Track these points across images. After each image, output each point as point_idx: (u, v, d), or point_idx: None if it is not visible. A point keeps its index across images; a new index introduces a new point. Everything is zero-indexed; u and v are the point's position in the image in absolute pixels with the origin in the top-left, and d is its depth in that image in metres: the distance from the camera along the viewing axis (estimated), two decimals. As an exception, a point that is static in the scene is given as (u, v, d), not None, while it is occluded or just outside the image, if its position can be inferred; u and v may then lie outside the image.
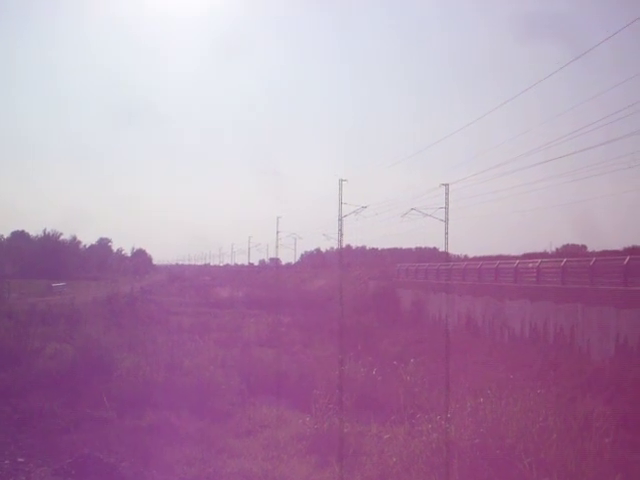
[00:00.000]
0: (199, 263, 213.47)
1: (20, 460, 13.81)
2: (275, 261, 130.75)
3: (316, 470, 13.30)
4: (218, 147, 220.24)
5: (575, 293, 30.00)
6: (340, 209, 73.47)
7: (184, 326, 35.57)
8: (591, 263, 30.57)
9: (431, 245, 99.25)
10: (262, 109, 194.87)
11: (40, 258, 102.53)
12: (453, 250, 75.17)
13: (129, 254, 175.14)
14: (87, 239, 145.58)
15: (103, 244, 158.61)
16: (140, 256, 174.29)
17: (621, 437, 13.79)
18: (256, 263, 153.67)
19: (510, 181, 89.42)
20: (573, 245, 65.45)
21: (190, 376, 20.27)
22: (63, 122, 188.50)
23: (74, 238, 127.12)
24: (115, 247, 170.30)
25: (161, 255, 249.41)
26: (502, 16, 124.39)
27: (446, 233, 63.41)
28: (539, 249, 58.92)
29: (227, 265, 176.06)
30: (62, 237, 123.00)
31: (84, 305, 40.83)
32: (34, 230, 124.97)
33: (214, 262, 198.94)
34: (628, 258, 28.30)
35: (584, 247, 61.62)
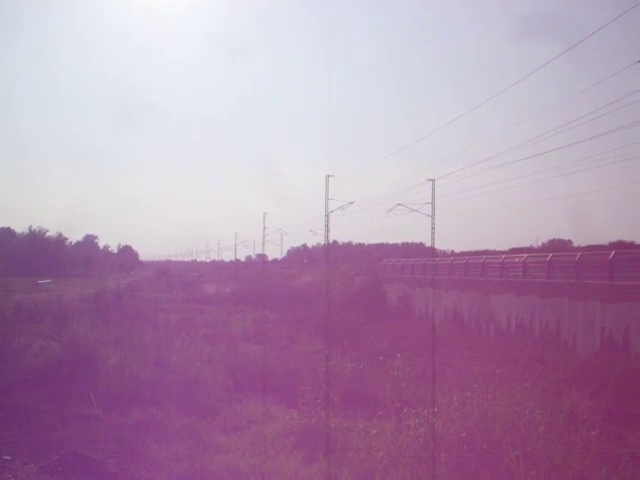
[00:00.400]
0: (186, 259, 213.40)
1: (6, 458, 13.75)
2: (262, 257, 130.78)
3: (303, 465, 13.29)
4: (206, 145, 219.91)
5: (561, 288, 30.14)
6: (326, 205, 73.58)
7: (171, 322, 35.49)
8: (577, 258, 30.71)
9: (418, 240, 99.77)
10: (251, 106, 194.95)
11: (26, 255, 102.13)
12: (440, 245, 75.35)
13: (115, 250, 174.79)
14: (74, 236, 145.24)
15: (89, 241, 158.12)
16: (126, 252, 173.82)
17: (607, 430, 13.88)
18: (243, 259, 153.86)
19: (497, 176, 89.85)
20: (559, 240, 65.95)
21: (177, 372, 20.26)
22: (60, 121, 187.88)
23: (60, 235, 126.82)
24: (101, 244, 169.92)
25: (148, 251, 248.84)
26: (491, 12, 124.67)
27: (432, 228, 63.69)
28: (525, 244, 59.34)
29: (214, 261, 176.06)
30: (48, 234, 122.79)
31: (70, 302, 40.64)
32: (20, 227, 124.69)
33: (201, 258, 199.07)
34: (613, 253, 28.45)
35: (570, 242, 62.16)
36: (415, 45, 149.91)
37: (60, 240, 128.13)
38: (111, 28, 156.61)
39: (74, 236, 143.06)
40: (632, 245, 41.87)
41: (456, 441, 12.13)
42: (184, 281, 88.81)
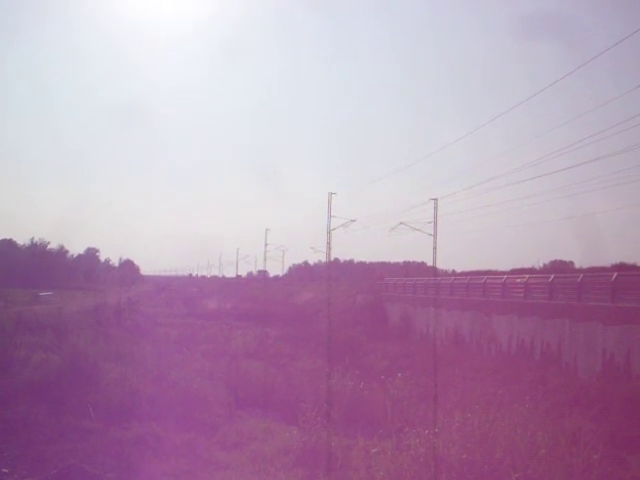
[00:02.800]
0: (187, 274, 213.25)
1: (5, 471, 13.69)
2: (263, 273, 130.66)
3: (303, 484, 13.25)
4: (208, 160, 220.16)
5: (562, 309, 30.07)
6: (329, 222, 73.36)
7: (171, 337, 35.48)
8: (579, 279, 30.68)
9: (419, 259, 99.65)
10: (254, 120, 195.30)
11: (27, 267, 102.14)
12: (441, 265, 75.21)
13: (117, 264, 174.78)
14: (75, 249, 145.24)
15: (91, 254, 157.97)
16: (128, 266, 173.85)
17: (609, 453, 13.80)
18: (244, 275, 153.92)
19: (500, 196, 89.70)
20: (561, 261, 65.93)
21: (177, 388, 20.19)
22: (58, 131, 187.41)
23: (62, 247, 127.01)
24: (103, 257, 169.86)
25: (149, 266, 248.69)
26: (498, 27, 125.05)
27: (434, 248, 63.52)
28: (527, 265, 59.23)
29: (214, 277, 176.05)
30: (50, 246, 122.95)
31: (71, 315, 40.66)
32: (22, 239, 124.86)
33: (202, 273, 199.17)
34: (616, 275, 28.42)
35: (572, 263, 62.07)
36: (420, 63, 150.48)
37: (61, 252, 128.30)
38: (109, 37, 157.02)
39: (75, 248, 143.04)
40: (634, 267, 41.79)
41: (457, 462, 12.07)
42: (184, 296, 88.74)
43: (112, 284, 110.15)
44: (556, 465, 11.80)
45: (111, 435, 16.21)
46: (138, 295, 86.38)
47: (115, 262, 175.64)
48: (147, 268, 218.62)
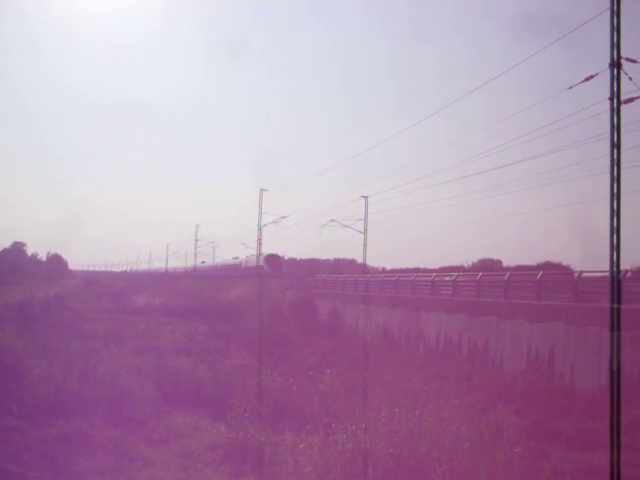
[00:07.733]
0: (117, 269, 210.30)
1: None
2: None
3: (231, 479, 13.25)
4: (137, 151, 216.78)
5: (490, 306, 30.57)
6: (260, 218, 73.18)
7: (99, 333, 34.99)
8: (506, 277, 31.25)
9: (350, 257, 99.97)
10: (182, 113, 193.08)
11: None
12: (371, 262, 75.41)
13: (44, 259, 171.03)
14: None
15: (17, 248, 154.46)
16: (56, 261, 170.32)
17: (530, 446, 14.13)
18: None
19: (430, 195, 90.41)
20: (489, 259, 66.81)
21: (104, 384, 19.97)
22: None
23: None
24: (30, 251, 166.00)
25: (78, 260, 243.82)
26: (433, 21, 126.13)
27: (364, 245, 63.95)
28: (456, 263, 60.00)
29: (145, 271, 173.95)
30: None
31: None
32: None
33: (132, 268, 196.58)
34: (541, 273, 29.04)
35: (499, 262, 63.06)
36: (357, 58, 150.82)
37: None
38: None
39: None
40: (559, 266, 42.77)
41: (383, 456, 12.22)
42: (114, 292, 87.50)
43: (39, 279, 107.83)
44: (480, 458, 12.05)
45: (36, 433, 15.95)
46: (66, 290, 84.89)
47: (43, 256, 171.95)
48: (75, 262, 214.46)
